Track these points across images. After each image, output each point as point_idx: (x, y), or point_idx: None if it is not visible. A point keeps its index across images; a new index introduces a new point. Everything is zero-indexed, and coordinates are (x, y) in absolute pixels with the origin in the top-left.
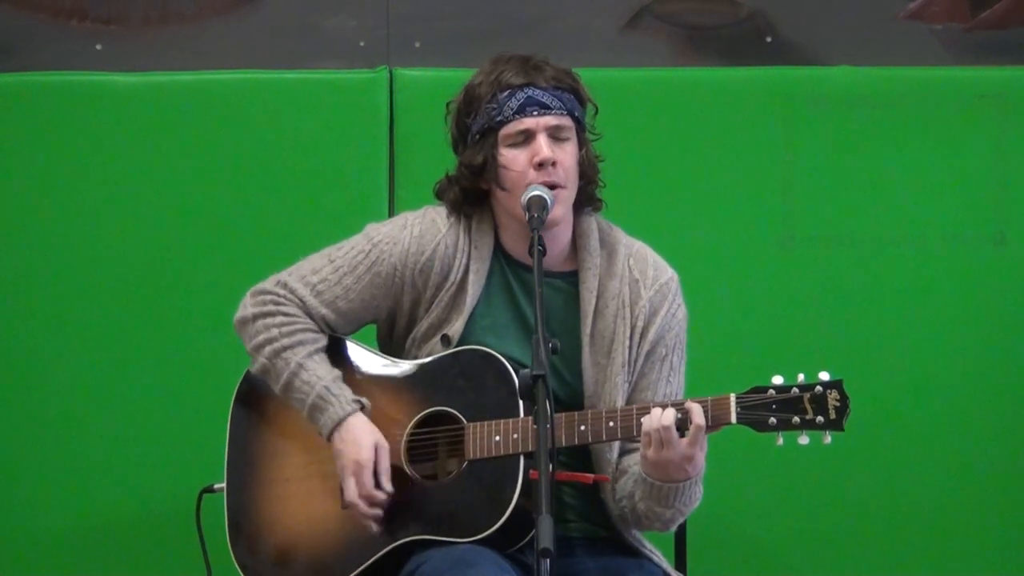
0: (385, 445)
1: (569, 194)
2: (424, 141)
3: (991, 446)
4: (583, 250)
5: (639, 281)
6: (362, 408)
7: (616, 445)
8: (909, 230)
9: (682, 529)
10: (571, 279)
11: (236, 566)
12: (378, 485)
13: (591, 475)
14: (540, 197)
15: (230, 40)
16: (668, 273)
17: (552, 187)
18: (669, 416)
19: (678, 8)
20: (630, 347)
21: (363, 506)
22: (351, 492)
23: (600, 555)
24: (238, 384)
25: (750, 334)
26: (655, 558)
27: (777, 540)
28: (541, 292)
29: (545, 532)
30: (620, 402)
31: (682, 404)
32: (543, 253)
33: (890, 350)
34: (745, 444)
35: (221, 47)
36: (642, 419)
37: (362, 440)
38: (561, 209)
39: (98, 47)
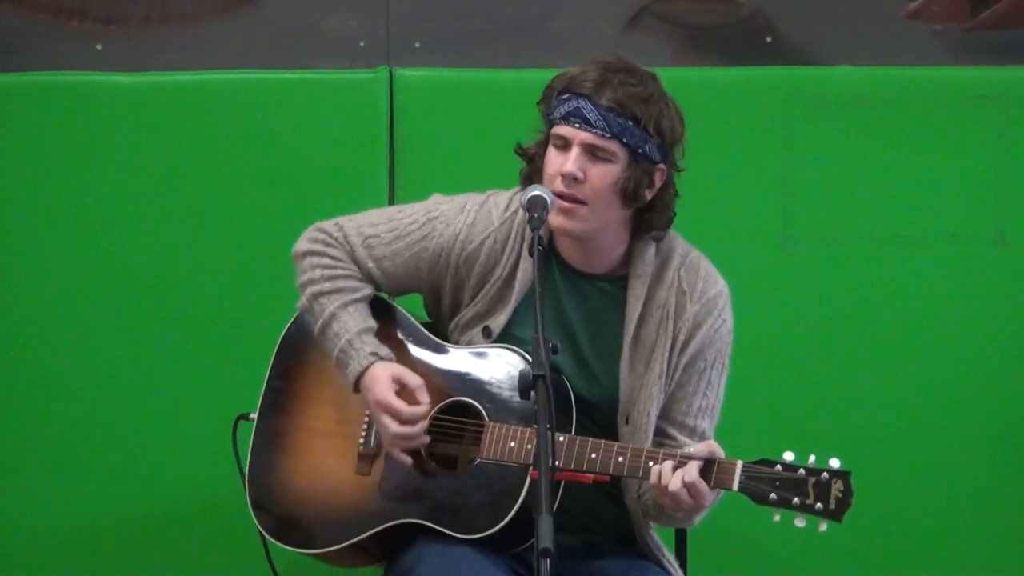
0: (403, 372)
1: (592, 213)
2: (424, 141)
3: (991, 446)
4: (636, 257)
5: (687, 293)
6: (380, 359)
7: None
8: (909, 230)
9: (682, 529)
10: (620, 284)
11: (248, 503)
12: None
13: (590, 475)
14: (540, 197)
15: (230, 40)
16: (718, 286)
17: (570, 200)
18: (677, 483)
19: (678, 8)
20: (669, 358)
21: (411, 431)
22: (387, 430)
23: (599, 557)
24: (286, 326)
25: (749, 334)
26: (664, 562)
27: (777, 540)
28: (541, 292)
29: (545, 532)
30: (654, 412)
31: (686, 461)
32: (543, 253)
33: (890, 350)
34: (744, 444)
35: (221, 47)
36: (650, 468)
37: (379, 378)
38: (576, 224)
39: (98, 47)
